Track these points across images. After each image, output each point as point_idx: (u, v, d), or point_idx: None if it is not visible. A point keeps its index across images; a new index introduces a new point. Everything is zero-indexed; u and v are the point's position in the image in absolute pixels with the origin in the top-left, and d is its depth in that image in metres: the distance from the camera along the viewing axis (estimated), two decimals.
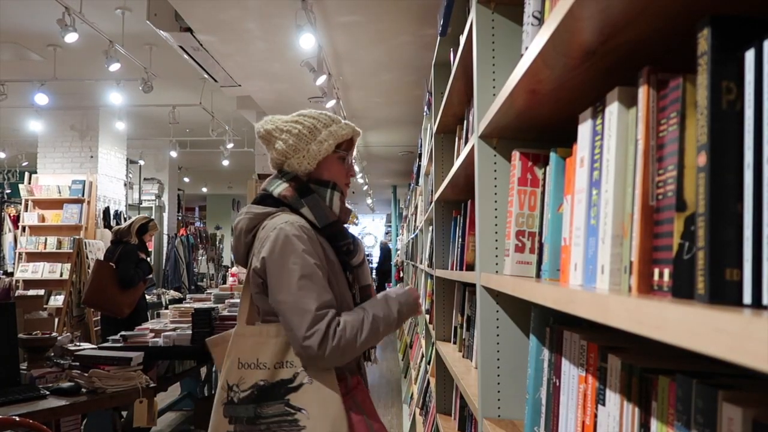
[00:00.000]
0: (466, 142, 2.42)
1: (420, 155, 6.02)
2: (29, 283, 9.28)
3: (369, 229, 28.21)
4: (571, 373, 1.12)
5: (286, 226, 1.82)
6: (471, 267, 2.48)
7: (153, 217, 13.05)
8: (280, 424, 1.74)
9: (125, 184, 11.05)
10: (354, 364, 1.96)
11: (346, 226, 2.03)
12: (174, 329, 4.52)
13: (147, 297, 9.05)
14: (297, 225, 1.83)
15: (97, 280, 5.58)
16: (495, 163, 1.77)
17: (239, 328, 1.86)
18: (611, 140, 0.94)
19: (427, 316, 4.39)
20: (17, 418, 2.51)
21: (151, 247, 12.82)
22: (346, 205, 2.02)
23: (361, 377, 1.99)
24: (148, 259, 6.11)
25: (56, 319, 7.07)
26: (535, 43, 1.11)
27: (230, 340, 1.86)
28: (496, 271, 1.73)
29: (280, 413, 1.74)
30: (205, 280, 15.05)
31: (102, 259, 5.95)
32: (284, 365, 1.78)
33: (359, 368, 2.01)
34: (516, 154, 1.50)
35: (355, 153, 2.18)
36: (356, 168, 2.20)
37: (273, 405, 1.75)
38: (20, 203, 10.06)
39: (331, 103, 6.98)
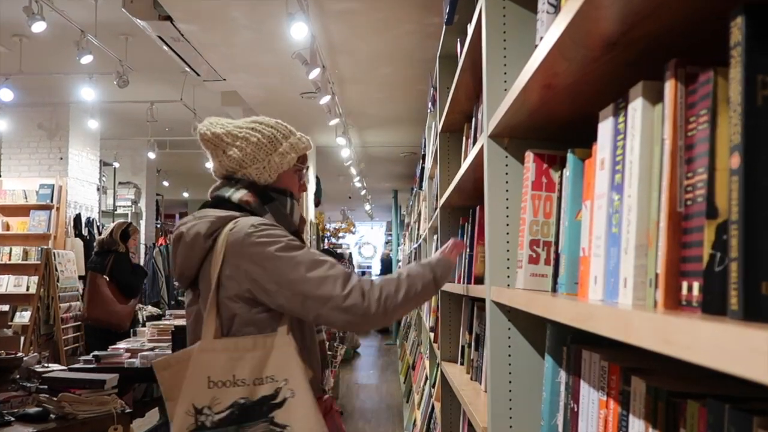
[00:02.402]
0: (475, 141, 2.42)
1: (423, 156, 6.04)
2: None
3: (367, 238, 28.20)
4: (590, 398, 1.12)
5: (260, 224, 1.88)
6: (480, 280, 2.48)
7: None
8: None
9: (98, 189, 11.05)
10: (319, 382, 2.00)
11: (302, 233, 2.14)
12: (152, 348, 4.51)
13: None
14: (263, 222, 1.91)
15: (98, 292, 5.79)
16: (506, 165, 1.77)
17: (206, 343, 1.83)
18: (635, 140, 0.94)
19: (432, 335, 4.38)
20: None
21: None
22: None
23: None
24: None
25: (22, 338, 7.07)
26: (550, 32, 1.12)
27: (190, 358, 1.82)
28: (508, 285, 1.73)
29: None
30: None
31: (82, 271, 6.09)
32: (264, 381, 1.78)
33: (323, 389, 2.05)
34: (529, 156, 1.50)
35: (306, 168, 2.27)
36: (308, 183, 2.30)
37: (255, 425, 1.75)
38: None
39: (326, 99, 7.00)
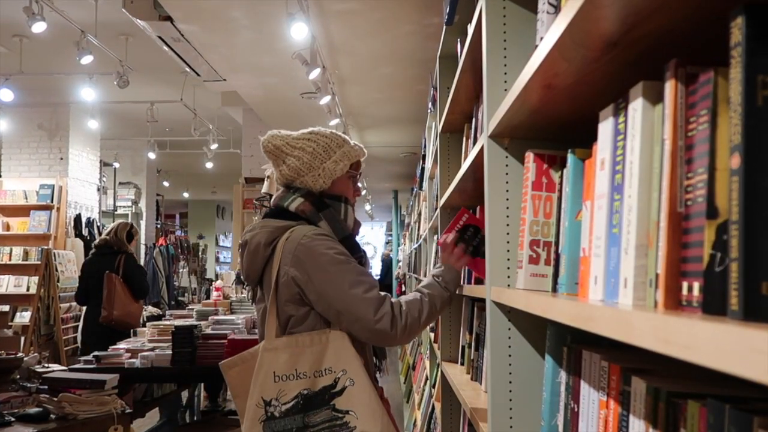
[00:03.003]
0: (475, 142, 2.42)
1: (424, 157, 6.04)
2: None
3: (368, 239, 28.20)
4: (590, 398, 1.12)
5: (312, 234, 2.06)
6: (480, 280, 2.48)
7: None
8: (331, 429, 1.94)
9: (98, 189, 11.06)
10: (372, 373, 2.17)
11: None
12: (152, 349, 4.51)
13: None
14: (319, 232, 2.08)
15: (117, 293, 5.85)
16: (506, 165, 1.77)
17: (268, 343, 2.03)
18: (635, 140, 0.94)
19: (432, 335, 4.38)
20: None
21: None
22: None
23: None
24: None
25: (22, 338, 7.07)
26: (551, 33, 1.12)
27: (257, 357, 2.02)
28: (508, 285, 1.73)
29: (328, 419, 1.95)
30: (186, 294, 15.01)
31: (83, 271, 6.05)
32: (323, 372, 1.98)
33: (375, 379, 2.20)
34: (530, 156, 1.50)
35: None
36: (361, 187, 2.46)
37: (320, 412, 1.95)
38: None
39: (326, 100, 6.99)
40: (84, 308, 6.20)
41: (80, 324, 6.41)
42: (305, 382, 1.97)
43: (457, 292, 2.26)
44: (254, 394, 1.98)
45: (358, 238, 2.33)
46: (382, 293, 2.03)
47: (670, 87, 0.85)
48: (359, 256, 2.16)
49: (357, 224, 2.29)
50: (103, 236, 6.14)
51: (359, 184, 2.37)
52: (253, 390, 1.98)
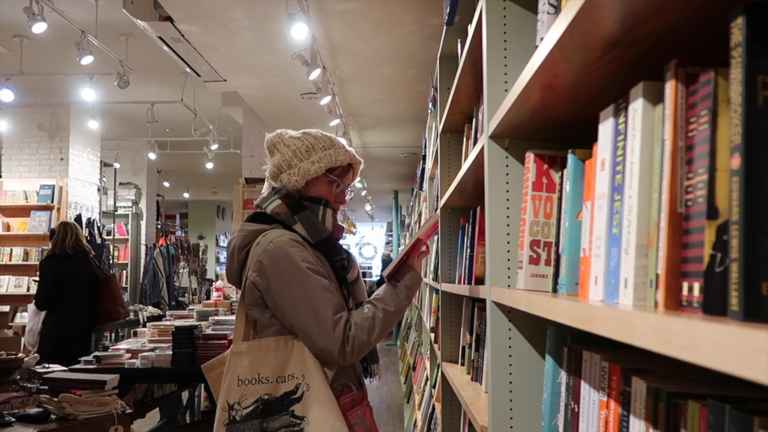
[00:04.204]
0: (475, 142, 2.42)
1: (424, 157, 6.04)
2: None
3: (368, 239, 28.20)
4: (591, 398, 1.12)
5: (279, 240, 2.03)
6: (480, 280, 2.48)
7: (129, 225, 13.11)
8: None
9: (99, 189, 11.05)
10: (357, 375, 2.17)
11: (342, 239, 2.26)
12: (152, 349, 4.51)
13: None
14: (288, 237, 2.04)
15: (119, 292, 6.07)
16: (507, 165, 1.77)
17: (235, 346, 2.03)
18: (635, 140, 0.94)
19: (432, 335, 4.38)
20: None
21: (126, 258, 12.91)
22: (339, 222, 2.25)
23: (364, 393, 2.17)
24: None
25: (23, 339, 7.06)
26: (551, 33, 1.12)
27: (226, 360, 2.03)
28: (509, 285, 1.73)
29: (285, 425, 1.93)
30: (186, 295, 15.04)
31: (54, 273, 5.93)
32: (286, 378, 1.97)
33: (360, 383, 2.18)
34: (530, 156, 1.50)
35: (356, 181, 2.41)
36: (347, 197, 2.42)
37: (278, 418, 1.94)
38: None
39: (326, 100, 6.99)
40: (42, 313, 5.90)
41: (33, 328, 6.02)
42: (266, 387, 1.96)
43: (415, 291, 2.21)
44: (222, 398, 1.98)
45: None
46: (340, 313, 1.97)
47: (670, 87, 0.85)
48: (340, 258, 2.13)
49: (338, 228, 2.21)
50: (69, 241, 5.95)
51: (347, 191, 2.30)
52: (222, 393, 1.99)
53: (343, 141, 2.31)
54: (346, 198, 2.31)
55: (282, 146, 2.19)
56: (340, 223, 2.24)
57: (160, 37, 6.40)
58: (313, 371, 1.96)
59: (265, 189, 2.25)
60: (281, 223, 2.11)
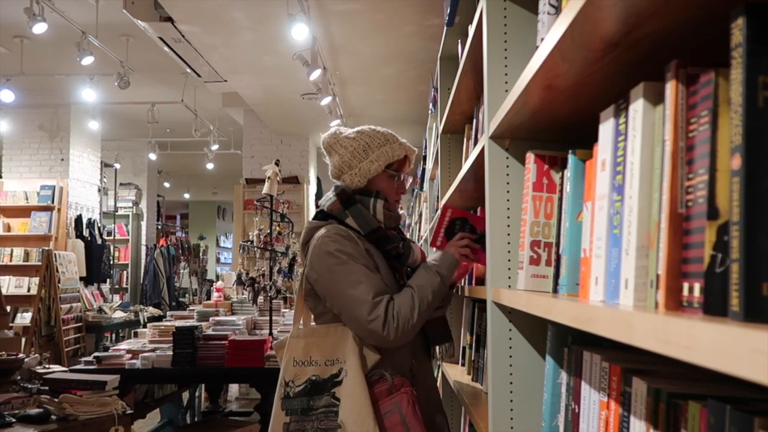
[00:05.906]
0: (476, 143, 2.42)
1: (424, 158, 6.03)
2: None
3: None
4: (591, 399, 1.12)
5: (326, 234, 2.17)
6: (481, 281, 2.48)
7: (130, 225, 13.11)
8: (326, 415, 2.07)
9: (99, 190, 11.06)
10: (405, 364, 2.22)
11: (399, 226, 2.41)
12: (153, 350, 4.51)
13: (123, 314, 9.07)
14: (333, 232, 2.18)
15: None
16: (507, 166, 1.77)
17: (294, 331, 2.23)
18: (636, 141, 0.94)
19: None
20: None
21: (127, 259, 12.91)
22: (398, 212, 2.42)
23: (412, 380, 2.18)
24: None
25: (23, 339, 7.07)
26: (551, 34, 1.12)
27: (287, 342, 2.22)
28: (509, 286, 1.73)
29: (326, 405, 2.09)
30: (187, 295, 15.04)
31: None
32: (334, 362, 2.12)
33: (411, 370, 2.23)
34: (530, 157, 1.50)
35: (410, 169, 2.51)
36: (407, 186, 2.54)
37: (322, 397, 2.10)
38: None
39: (327, 100, 6.99)
40: None
41: None
42: (315, 369, 2.13)
43: (451, 276, 2.25)
44: (281, 375, 2.17)
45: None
46: (381, 296, 2.08)
47: (670, 88, 0.85)
48: (393, 246, 2.25)
49: (390, 218, 2.31)
50: None
51: (407, 179, 2.45)
52: (282, 371, 2.18)
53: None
54: (406, 187, 2.45)
55: (339, 147, 2.30)
56: (399, 212, 2.40)
57: (160, 38, 6.40)
58: (352, 358, 2.09)
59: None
60: (335, 218, 2.25)
